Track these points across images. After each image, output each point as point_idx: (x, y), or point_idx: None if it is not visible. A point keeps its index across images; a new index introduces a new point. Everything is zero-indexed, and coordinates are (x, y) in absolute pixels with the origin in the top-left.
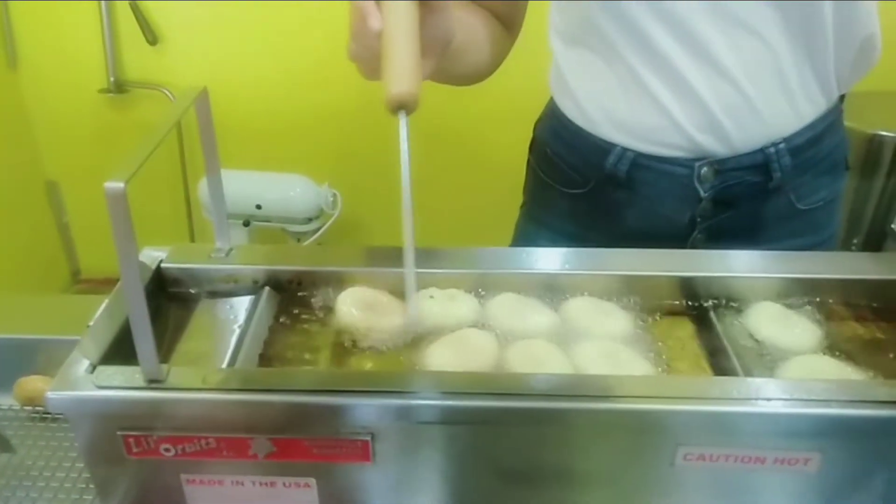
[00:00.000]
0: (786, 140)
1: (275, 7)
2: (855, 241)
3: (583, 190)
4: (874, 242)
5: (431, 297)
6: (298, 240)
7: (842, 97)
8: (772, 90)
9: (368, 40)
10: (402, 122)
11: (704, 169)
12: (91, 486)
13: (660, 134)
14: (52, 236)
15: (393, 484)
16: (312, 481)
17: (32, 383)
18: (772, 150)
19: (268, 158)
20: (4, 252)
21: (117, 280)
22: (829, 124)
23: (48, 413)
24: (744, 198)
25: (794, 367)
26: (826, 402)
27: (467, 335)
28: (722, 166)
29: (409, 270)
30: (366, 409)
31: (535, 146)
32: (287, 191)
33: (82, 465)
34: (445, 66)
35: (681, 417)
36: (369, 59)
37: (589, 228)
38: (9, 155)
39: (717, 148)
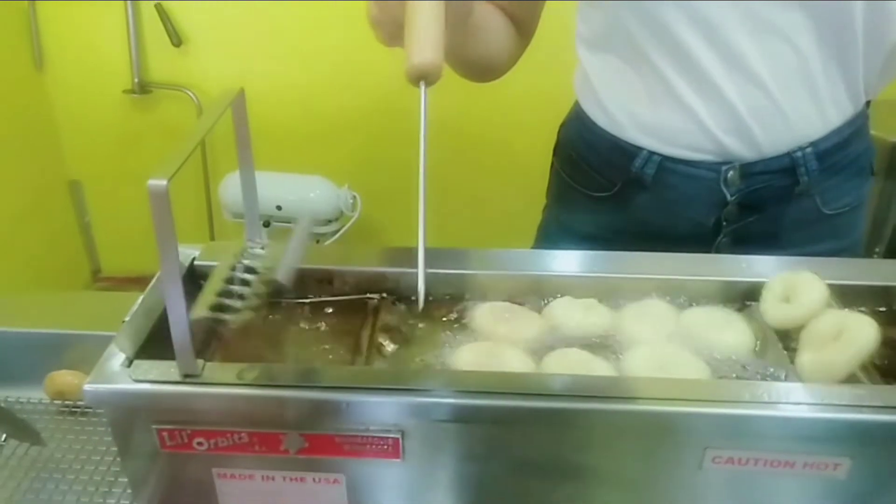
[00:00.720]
0: (813, 144)
1: (297, 10)
2: (877, 249)
3: (608, 193)
4: None
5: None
6: (318, 241)
7: (868, 103)
8: (800, 95)
9: (391, 5)
10: (423, 92)
11: (731, 173)
12: (119, 479)
13: (687, 137)
14: (73, 235)
15: (421, 481)
16: (342, 477)
17: (62, 378)
18: (799, 154)
19: (288, 160)
20: (26, 250)
21: (137, 279)
22: (855, 129)
23: (77, 407)
24: (770, 201)
25: None
26: (857, 407)
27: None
28: (749, 170)
29: (421, 247)
30: (397, 407)
31: (559, 150)
32: (307, 192)
33: (111, 458)
34: (462, 41)
35: (709, 420)
36: (389, 22)
37: (614, 232)
38: (33, 154)
39: (744, 152)
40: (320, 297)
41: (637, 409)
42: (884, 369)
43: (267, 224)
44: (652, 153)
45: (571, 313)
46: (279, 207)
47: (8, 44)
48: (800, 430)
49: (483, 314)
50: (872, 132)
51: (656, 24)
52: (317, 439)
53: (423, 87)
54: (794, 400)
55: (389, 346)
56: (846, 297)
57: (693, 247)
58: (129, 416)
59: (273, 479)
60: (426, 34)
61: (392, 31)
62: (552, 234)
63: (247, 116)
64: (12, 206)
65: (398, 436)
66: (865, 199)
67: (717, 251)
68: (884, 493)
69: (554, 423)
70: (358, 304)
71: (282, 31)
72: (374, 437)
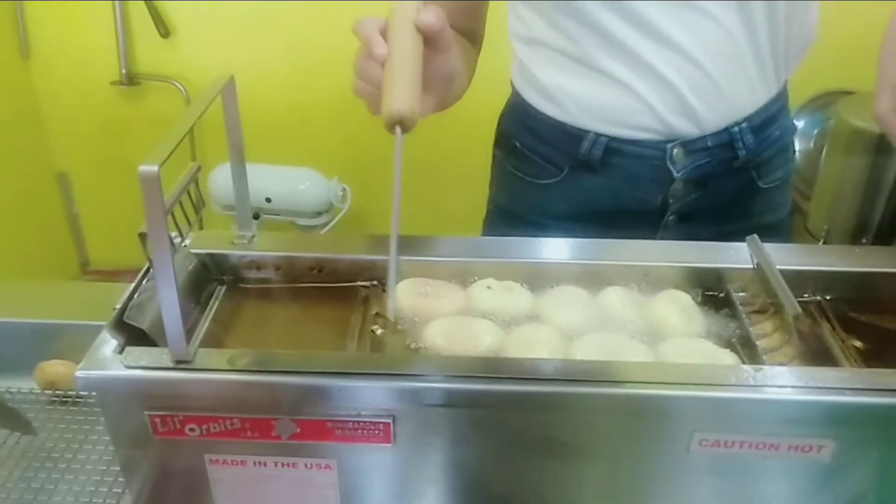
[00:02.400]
0: (747, 119)
1: (286, 1)
2: (864, 240)
3: (556, 179)
4: (883, 240)
5: (489, 287)
6: (309, 233)
7: (785, 82)
8: (731, 71)
9: (372, 71)
10: (399, 138)
11: (676, 150)
12: (112, 467)
13: (632, 118)
14: (61, 228)
15: (413, 466)
16: (334, 462)
17: (53, 367)
18: (736, 129)
19: (278, 152)
20: (14, 243)
21: (125, 272)
22: (780, 107)
23: (68, 397)
24: (713, 177)
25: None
26: (840, 390)
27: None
28: (692, 147)
29: (392, 272)
30: (387, 392)
31: (501, 141)
32: (297, 184)
33: (103, 447)
34: (445, 100)
35: (697, 404)
36: (373, 93)
37: (562, 217)
38: (20, 146)
39: (687, 128)
40: (311, 284)
41: (626, 393)
42: (866, 353)
43: (257, 216)
44: (599, 135)
45: (491, 292)
46: (269, 200)
47: None
48: (785, 412)
49: (404, 291)
50: (858, 123)
51: (583, 17)
52: (308, 425)
53: (398, 133)
54: (780, 383)
55: (380, 333)
56: (829, 283)
57: (641, 226)
58: (121, 403)
59: (265, 464)
60: (403, 85)
61: (377, 100)
62: (499, 225)
63: (237, 103)
64: None
65: (389, 421)
66: (792, 174)
67: (665, 229)
68: (867, 474)
69: (544, 407)
70: (348, 291)
71: (270, 23)
72: (365, 422)
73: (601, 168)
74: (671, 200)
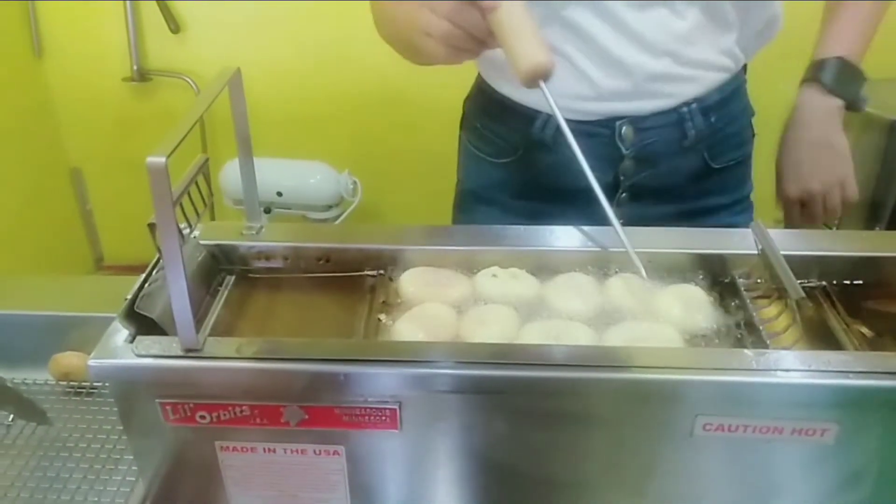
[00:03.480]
0: (697, 100)
1: None
2: (878, 227)
3: (512, 158)
4: None
5: (494, 275)
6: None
7: (745, 66)
8: (683, 55)
9: (469, 15)
10: (546, 90)
11: (625, 128)
12: (125, 456)
13: (582, 100)
14: (75, 223)
15: (419, 451)
16: (342, 448)
17: (67, 359)
18: (685, 109)
19: (288, 146)
20: (29, 239)
21: (140, 266)
22: (734, 89)
23: (82, 388)
24: (662, 156)
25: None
26: (843, 373)
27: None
28: (640, 125)
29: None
30: (394, 378)
31: (465, 122)
32: (307, 178)
33: (116, 437)
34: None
35: (700, 388)
36: (462, 36)
37: (520, 196)
38: (34, 143)
39: (636, 109)
40: (318, 274)
41: (630, 378)
42: (871, 338)
43: (268, 210)
44: (550, 115)
45: (497, 280)
46: (280, 193)
47: (7, 32)
48: (788, 396)
49: (409, 278)
50: (870, 110)
51: (549, 8)
52: (316, 411)
53: (543, 87)
54: (783, 367)
55: (386, 321)
56: (834, 267)
57: (595, 204)
58: (132, 391)
59: (274, 451)
60: (533, 33)
61: (462, 44)
62: (465, 206)
63: (244, 95)
64: (13, 196)
65: (396, 406)
66: (749, 155)
67: (619, 206)
68: (870, 457)
69: (548, 393)
70: (356, 280)
71: (280, 17)
72: (372, 408)
73: (554, 146)
74: (622, 178)
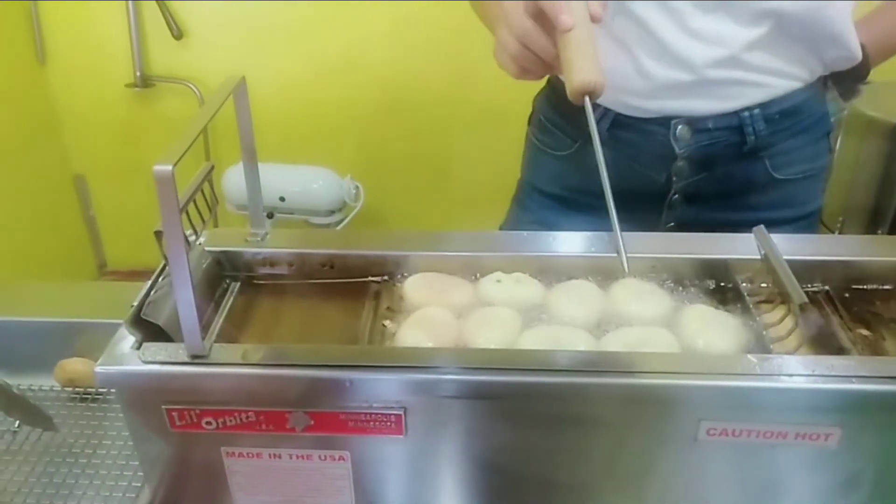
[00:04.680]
0: (761, 106)
1: (299, 1)
2: (880, 231)
3: (570, 151)
4: None
5: (499, 281)
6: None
7: (827, 77)
8: (745, 59)
9: (538, 38)
10: (588, 107)
11: (680, 127)
12: (131, 462)
13: (641, 100)
14: (78, 229)
15: (425, 457)
16: (347, 454)
17: (73, 365)
18: (746, 114)
19: (291, 151)
20: (32, 245)
21: (143, 272)
22: (807, 98)
23: (88, 394)
24: (719, 159)
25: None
26: (847, 377)
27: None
28: (698, 126)
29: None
30: (399, 384)
31: (532, 117)
32: (310, 183)
33: (122, 443)
34: None
35: (704, 392)
36: (530, 58)
37: (574, 190)
38: (37, 149)
39: (693, 109)
40: (323, 280)
41: (634, 383)
42: (874, 342)
43: (270, 215)
44: (608, 109)
45: (501, 285)
46: (282, 199)
47: (10, 39)
48: (791, 400)
49: (414, 284)
50: (872, 113)
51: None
52: (322, 417)
53: (587, 102)
54: (786, 371)
55: (391, 326)
56: (837, 272)
57: (647, 204)
58: (139, 398)
59: (280, 456)
60: (592, 54)
61: (529, 66)
62: (523, 199)
63: (249, 104)
64: (17, 202)
65: (401, 412)
66: (822, 172)
67: (670, 208)
68: (874, 462)
69: (553, 398)
70: (360, 286)
71: (283, 23)
72: (377, 413)
73: (609, 141)
74: (675, 179)
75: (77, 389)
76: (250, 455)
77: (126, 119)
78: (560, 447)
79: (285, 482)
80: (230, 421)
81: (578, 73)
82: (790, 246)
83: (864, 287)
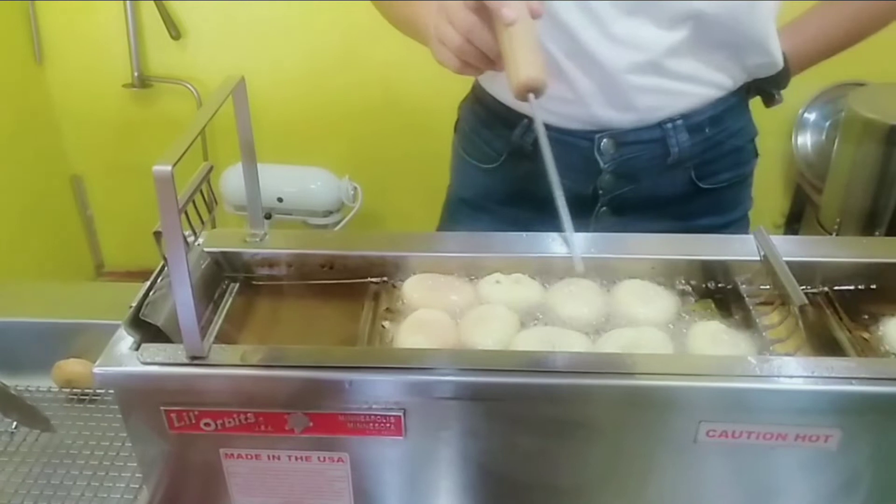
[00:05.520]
0: (683, 117)
1: (296, 1)
2: (877, 232)
3: (496, 164)
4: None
5: (498, 282)
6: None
7: (749, 85)
8: (668, 66)
9: (482, 33)
10: (534, 104)
11: (605, 141)
12: (128, 463)
13: (564, 106)
14: (76, 230)
15: (424, 458)
16: (346, 456)
17: (70, 366)
18: (669, 125)
19: (289, 152)
20: (30, 245)
21: (140, 272)
22: (729, 107)
23: (85, 395)
24: (644, 172)
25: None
26: (847, 379)
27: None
28: (621, 139)
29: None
30: (398, 385)
31: (458, 126)
32: (308, 184)
33: (119, 444)
34: None
35: (703, 394)
36: (474, 52)
37: (504, 203)
38: (34, 149)
39: (617, 122)
40: (322, 281)
41: (633, 384)
42: (872, 344)
43: (268, 216)
44: (532, 121)
45: (500, 286)
46: (280, 199)
47: (7, 38)
48: (791, 402)
49: (413, 285)
50: (869, 115)
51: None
52: (321, 418)
53: (532, 99)
54: (786, 373)
55: (390, 328)
56: (836, 274)
57: (575, 216)
58: (137, 399)
59: (279, 458)
60: (533, 49)
61: (473, 61)
62: (451, 209)
63: (248, 104)
64: (14, 202)
65: (400, 413)
66: (748, 177)
67: (597, 220)
68: (874, 464)
69: (553, 399)
70: (359, 287)
71: (281, 23)
72: (376, 415)
73: (534, 155)
74: (601, 191)
75: (75, 390)
76: (249, 456)
77: (124, 119)
78: (560, 449)
79: (284, 484)
80: (229, 422)
81: (521, 69)
82: (790, 247)
83: (864, 288)
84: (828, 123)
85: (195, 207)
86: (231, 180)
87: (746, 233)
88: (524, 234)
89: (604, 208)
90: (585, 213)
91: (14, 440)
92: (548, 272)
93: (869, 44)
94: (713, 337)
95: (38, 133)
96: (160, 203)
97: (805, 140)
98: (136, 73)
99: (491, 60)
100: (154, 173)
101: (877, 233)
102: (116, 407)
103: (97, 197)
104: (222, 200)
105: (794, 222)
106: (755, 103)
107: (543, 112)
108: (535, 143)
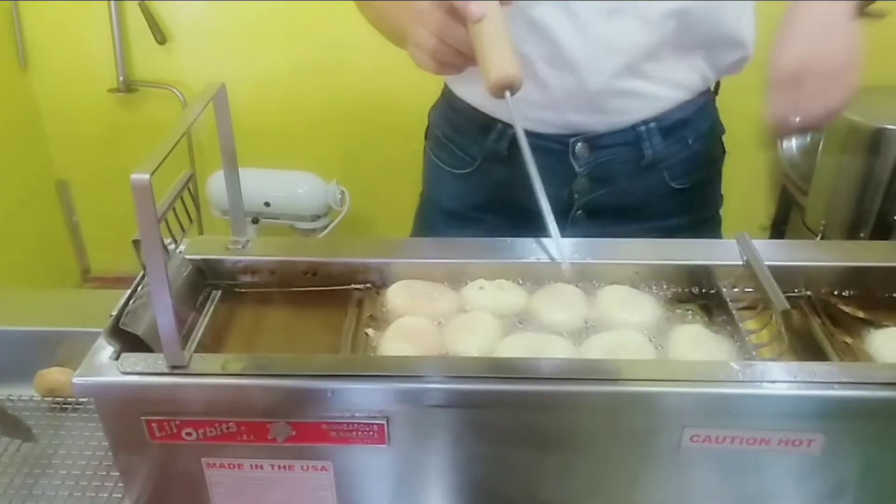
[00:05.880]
0: (657, 119)
1: (283, 6)
2: (862, 234)
3: (470, 169)
4: (881, 235)
5: (482, 287)
6: (307, 237)
7: (717, 86)
8: (646, 73)
9: (455, 30)
10: (510, 100)
11: (579, 145)
12: (111, 473)
13: (537, 111)
14: (61, 235)
15: (407, 466)
16: (329, 464)
17: (53, 375)
18: (642, 128)
19: (276, 156)
20: (15, 251)
21: (127, 278)
22: (699, 107)
23: (68, 403)
24: (618, 175)
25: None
26: (829, 384)
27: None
28: (595, 143)
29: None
30: (381, 393)
31: (429, 132)
32: (295, 188)
33: (102, 453)
34: None
35: (687, 400)
36: (448, 51)
37: (478, 209)
38: (19, 154)
39: (590, 125)
40: (305, 288)
41: (617, 390)
42: (854, 348)
43: (255, 221)
44: (507, 126)
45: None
46: (267, 204)
47: None
48: (774, 407)
49: (396, 291)
50: (854, 118)
51: (516, 3)
52: (303, 427)
53: (508, 96)
54: (769, 378)
55: (373, 335)
56: (818, 278)
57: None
58: (118, 408)
59: (261, 467)
60: (505, 45)
61: (448, 59)
62: (425, 215)
63: (229, 111)
64: None
65: (383, 422)
66: (717, 175)
67: (573, 224)
68: (857, 468)
69: (535, 406)
70: (342, 294)
71: (266, 28)
72: (359, 423)
73: (509, 159)
74: (576, 195)
75: (57, 399)
76: (231, 466)
77: (109, 124)
78: (545, 456)
79: (267, 493)
80: (211, 432)
81: (494, 67)
82: (772, 252)
83: (847, 293)
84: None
85: (175, 215)
86: (217, 185)
87: (719, 229)
88: (508, 239)
89: (579, 212)
90: (561, 216)
91: None
92: (532, 277)
93: None
94: (696, 342)
95: (24, 138)
96: (138, 211)
97: (790, 143)
98: (121, 78)
99: (469, 57)
100: (132, 182)
101: (862, 234)
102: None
103: (83, 202)
104: (209, 205)
105: (780, 224)
106: (743, 108)
107: (520, 118)
108: (511, 147)
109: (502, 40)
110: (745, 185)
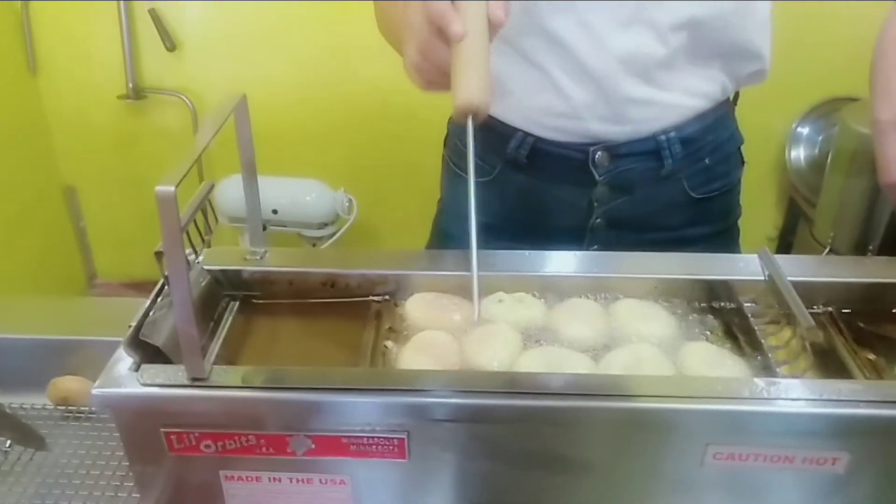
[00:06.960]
0: (677, 129)
1: (292, 13)
2: (870, 247)
3: (489, 177)
4: (890, 247)
5: (501, 300)
6: (314, 245)
7: (736, 95)
8: (665, 82)
9: (438, 50)
10: (470, 128)
11: (599, 154)
12: (125, 483)
13: (558, 120)
14: (68, 241)
15: (427, 481)
16: (348, 478)
17: (66, 383)
18: (663, 137)
19: (284, 164)
20: (22, 256)
21: (133, 284)
22: (718, 117)
23: (81, 412)
24: (638, 184)
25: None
26: (854, 402)
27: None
28: (616, 152)
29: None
30: (402, 408)
31: (447, 140)
32: (303, 196)
33: (116, 463)
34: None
35: (711, 417)
36: (430, 69)
37: (497, 216)
38: (28, 160)
39: (611, 134)
40: (323, 299)
41: (639, 407)
42: (878, 364)
43: (263, 228)
44: (527, 134)
45: (503, 305)
46: (275, 211)
47: (1, 49)
48: (799, 425)
49: (415, 304)
50: (863, 130)
51: (531, 17)
52: (323, 440)
53: (470, 123)
54: (793, 396)
55: (393, 348)
56: (840, 294)
57: (570, 228)
58: (137, 420)
59: (280, 480)
60: (478, 71)
61: (432, 78)
62: (444, 224)
63: (249, 122)
64: (7, 212)
65: (404, 436)
66: (736, 186)
67: (592, 232)
68: (882, 487)
69: (558, 422)
70: (361, 306)
71: (276, 35)
72: (379, 437)
73: (529, 168)
74: (595, 204)
75: (70, 408)
76: (249, 479)
77: (118, 130)
78: (565, 472)
79: None
80: (230, 444)
81: (460, 92)
82: (792, 267)
83: (869, 308)
84: (821, 138)
85: (196, 226)
86: (225, 192)
87: (738, 240)
88: (527, 252)
89: (598, 220)
90: (581, 226)
91: (8, 459)
92: (551, 291)
93: (862, 58)
94: (718, 358)
95: (32, 143)
96: (162, 224)
97: (798, 154)
98: (130, 85)
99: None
100: (157, 194)
101: (870, 247)
102: (113, 425)
103: (90, 208)
104: (218, 212)
105: (787, 236)
106: (750, 119)
107: (538, 127)
108: (531, 155)
109: (477, 64)
110: (752, 197)
